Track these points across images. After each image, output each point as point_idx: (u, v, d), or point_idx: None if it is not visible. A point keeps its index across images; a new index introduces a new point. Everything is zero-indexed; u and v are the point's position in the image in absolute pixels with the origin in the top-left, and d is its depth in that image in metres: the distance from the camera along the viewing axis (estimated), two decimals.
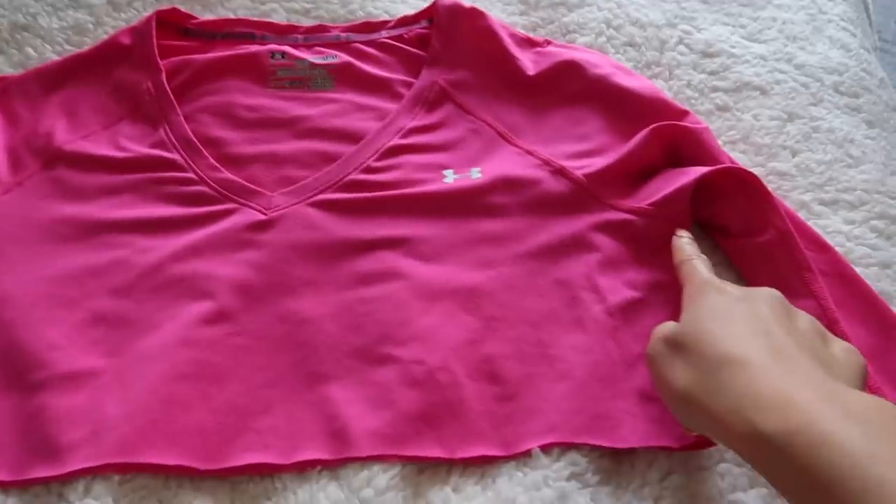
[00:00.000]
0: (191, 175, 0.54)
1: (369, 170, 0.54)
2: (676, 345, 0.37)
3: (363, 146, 0.55)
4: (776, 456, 0.30)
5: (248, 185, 0.53)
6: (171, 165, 0.54)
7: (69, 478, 0.41)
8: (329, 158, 0.55)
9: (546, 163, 0.54)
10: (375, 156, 0.55)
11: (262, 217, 0.52)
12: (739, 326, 0.36)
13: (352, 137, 0.56)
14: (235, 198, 0.53)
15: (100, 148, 0.56)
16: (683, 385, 0.35)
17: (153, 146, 0.56)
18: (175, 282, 0.49)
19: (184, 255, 0.50)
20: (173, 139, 0.56)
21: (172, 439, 0.42)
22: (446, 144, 0.56)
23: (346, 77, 0.60)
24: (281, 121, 0.57)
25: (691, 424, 0.37)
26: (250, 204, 0.52)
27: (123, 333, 0.47)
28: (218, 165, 0.54)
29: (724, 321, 0.36)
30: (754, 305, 0.37)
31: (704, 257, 0.45)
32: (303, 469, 0.42)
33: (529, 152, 0.55)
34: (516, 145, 0.56)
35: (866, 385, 0.37)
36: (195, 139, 0.55)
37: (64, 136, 0.56)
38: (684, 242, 0.47)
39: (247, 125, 0.57)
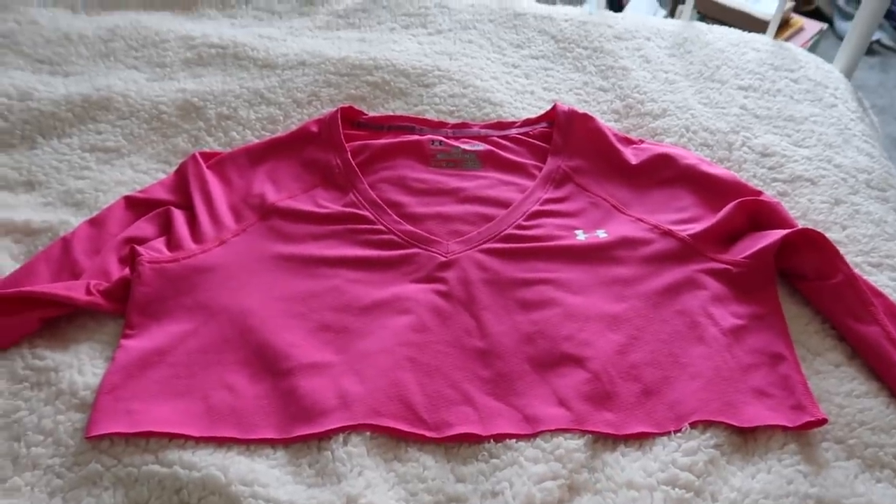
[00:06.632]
0: (381, 227, 0.69)
1: (520, 227, 0.70)
2: None
3: (513, 210, 0.71)
4: None
5: (428, 235, 0.68)
6: (363, 220, 0.70)
7: (327, 434, 0.53)
8: (487, 218, 0.70)
9: (655, 227, 0.70)
10: (523, 217, 0.70)
11: (443, 259, 0.66)
12: None
13: (502, 203, 0.72)
14: (418, 244, 0.68)
15: (304, 205, 0.71)
16: None
17: (346, 206, 0.71)
18: (382, 303, 0.63)
19: (385, 284, 0.64)
20: (363, 201, 0.71)
21: (403, 414, 0.55)
22: (574, 212, 0.72)
23: (490, 161, 0.76)
24: (444, 190, 0.73)
25: None
26: (431, 249, 0.67)
27: (346, 338, 0.60)
28: (401, 220, 0.70)
29: None
30: None
31: None
32: (500, 440, 0.54)
33: (640, 220, 0.71)
34: (628, 215, 0.72)
35: None
36: (380, 201, 0.71)
37: (273, 196, 0.72)
38: None
39: (418, 193, 0.73)
